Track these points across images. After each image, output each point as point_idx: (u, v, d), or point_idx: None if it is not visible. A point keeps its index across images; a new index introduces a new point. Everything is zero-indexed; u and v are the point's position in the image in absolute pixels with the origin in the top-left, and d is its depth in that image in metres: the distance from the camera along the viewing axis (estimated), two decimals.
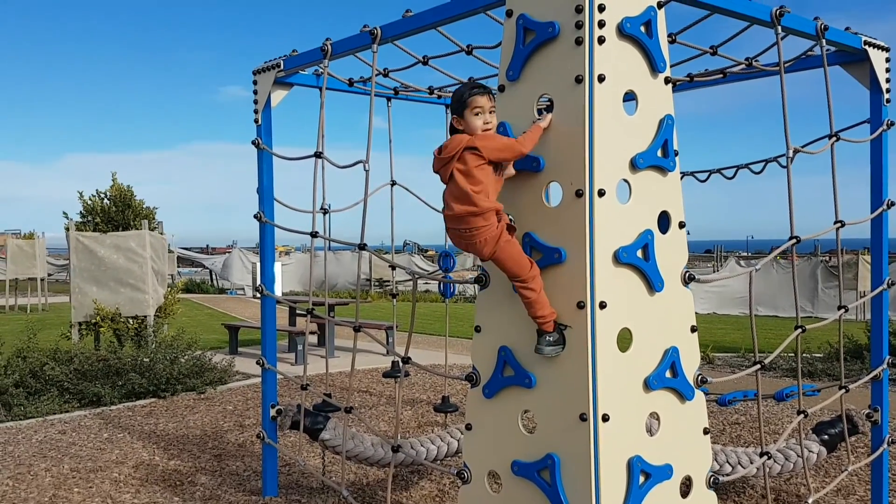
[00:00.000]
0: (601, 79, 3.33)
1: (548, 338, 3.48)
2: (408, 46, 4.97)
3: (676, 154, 3.65)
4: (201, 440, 7.21)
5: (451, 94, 6.21)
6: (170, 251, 13.18)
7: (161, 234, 11.54)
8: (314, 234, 4.99)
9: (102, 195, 11.39)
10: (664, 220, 3.65)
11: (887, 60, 5.01)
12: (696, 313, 3.83)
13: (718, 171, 5.94)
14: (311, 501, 5.38)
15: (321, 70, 4.99)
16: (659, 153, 3.56)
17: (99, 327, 10.70)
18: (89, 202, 11.49)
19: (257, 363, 5.50)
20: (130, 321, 10.59)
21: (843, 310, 4.65)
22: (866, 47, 4.82)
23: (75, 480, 5.97)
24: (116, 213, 11.07)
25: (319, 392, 5.59)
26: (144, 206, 11.27)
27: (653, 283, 3.56)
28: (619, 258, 3.45)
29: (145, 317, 10.71)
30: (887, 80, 5.00)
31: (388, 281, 30.93)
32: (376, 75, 5.08)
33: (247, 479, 5.99)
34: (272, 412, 5.41)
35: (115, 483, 5.91)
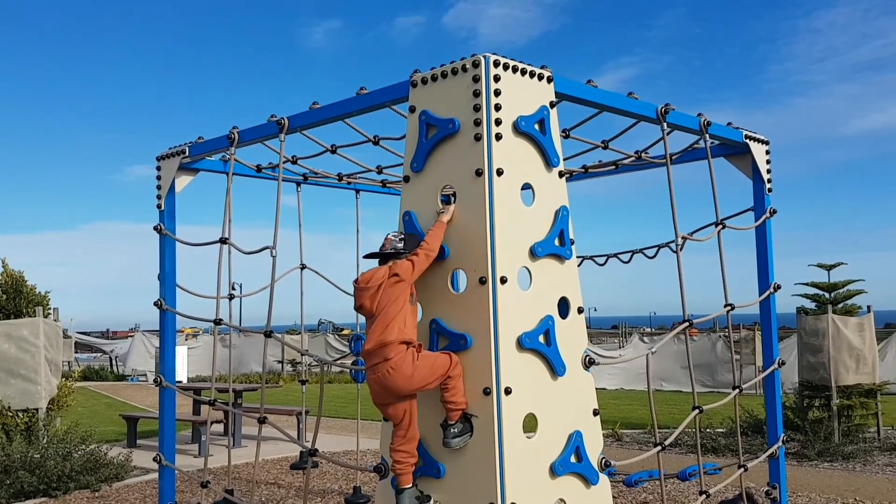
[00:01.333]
0: (500, 172, 3.47)
1: (453, 429, 3.52)
2: (316, 134, 5.05)
3: (572, 242, 3.80)
4: None
5: (360, 180, 6.34)
6: (66, 337, 12.54)
7: (56, 321, 10.97)
8: (217, 322, 4.89)
9: None
10: (563, 306, 3.77)
11: (767, 153, 5.40)
12: (603, 389, 3.93)
13: (615, 255, 6.19)
14: None
15: (228, 157, 5.00)
16: (556, 242, 3.70)
17: None
18: None
19: (154, 460, 5.25)
20: (20, 415, 9.92)
21: (737, 390, 4.84)
22: (747, 141, 5.19)
23: None
24: (7, 300, 10.49)
25: (222, 487, 5.35)
26: (37, 292, 10.74)
27: (555, 368, 3.63)
28: (523, 343, 3.52)
29: (37, 410, 10.07)
30: (768, 171, 5.37)
31: (300, 363, 30.22)
32: (284, 162, 5.12)
33: None
34: None
35: None
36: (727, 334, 25.05)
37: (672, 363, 22.38)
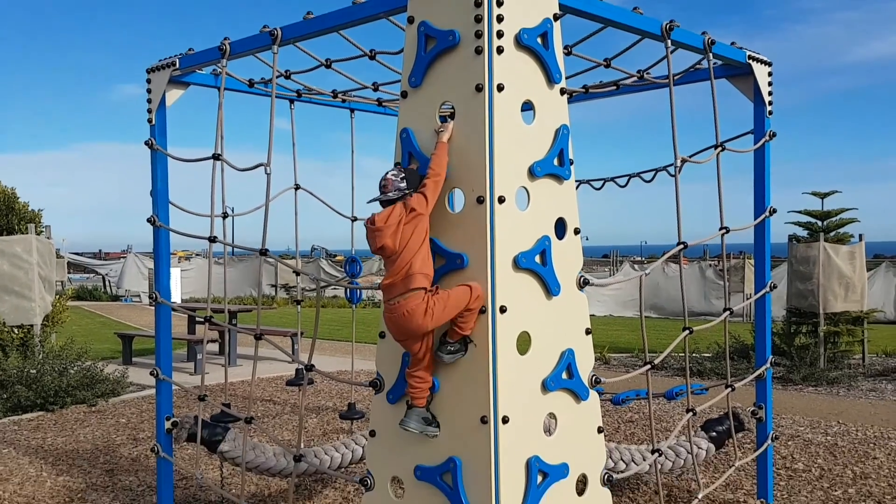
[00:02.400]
0: (500, 88, 3.39)
1: (449, 347, 3.55)
2: (311, 49, 4.92)
3: (572, 163, 3.76)
4: (92, 455, 6.88)
5: (355, 98, 6.22)
6: (59, 256, 12.51)
7: (48, 238, 10.94)
8: (212, 239, 4.85)
9: None
10: (560, 227, 3.75)
11: (769, 74, 5.31)
12: (593, 315, 3.97)
13: (612, 179, 6.15)
14: None
15: (220, 70, 4.87)
16: (555, 162, 3.66)
17: None
18: None
19: (151, 374, 5.30)
20: (15, 330, 10.00)
21: (727, 311, 4.89)
22: (750, 61, 5.09)
23: None
24: None
25: (219, 403, 5.43)
26: (30, 210, 10.68)
27: (550, 288, 3.65)
28: (519, 263, 3.52)
29: (31, 326, 10.14)
30: (769, 94, 5.30)
31: (294, 286, 30.41)
32: (277, 77, 5.00)
33: (140, 494, 5.77)
34: (167, 425, 5.22)
35: None
36: (717, 263, 25.35)
37: (660, 291, 22.64)
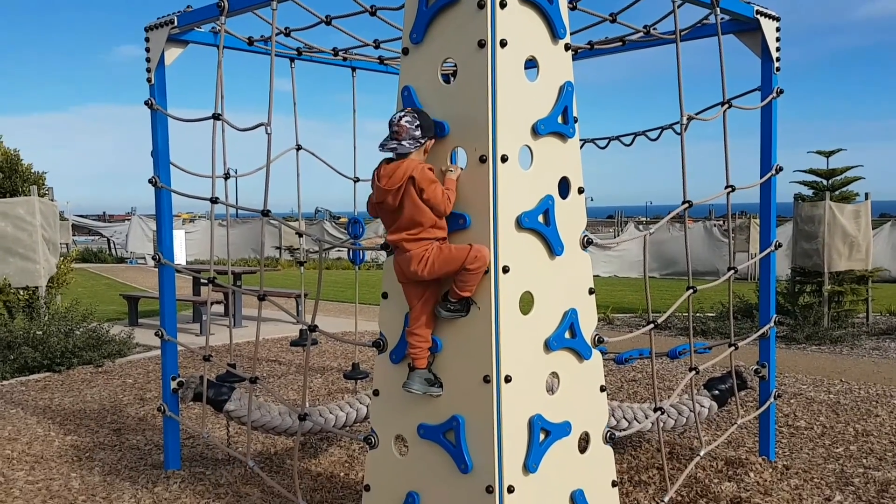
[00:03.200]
0: (503, 44, 3.33)
1: (450, 305, 3.53)
2: (311, 5, 4.83)
3: (576, 121, 3.71)
4: (99, 415, 6.96)
5: (356, 56, 6.13)
6: (63, 219, 12.54)
7: (52, 200, 10.93)
8: (214, 200, 4.83)
9: None
10: (564, 186, 3.72)
11: (777, 30, 5.21)
12: (598, 276, 3.96)
13: (617, 138, 6.09)
14: (216, 473, 5.29)
15: (219, 27, 4.79)
16: (559, 120, 3.61)
17: None
18: None
19: (156, 334, 5.33)
20: (21, 292, 10.05)
21: (732, 270, 4.87)
22: (758, 16, 5.00)
23: None
24: (3, 179, 10.41)
25: (224, 363, 5.47)
26: (33, 172, 10.64)
27: (553, 248, 3.62)
28: (522, 223, 3.49)
29: (37, 288, 10.19)
30: (777, 49, 5.21)
31: (298, 249, 30.46)
32: (277, 34, 4.92)
33: (148, 452, 5.84)
34: (173, 384, 5.27)
35: (7, 460, 5.64)
36: (722, 223, 25.23)
37: (668, 251, 22.60)
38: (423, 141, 3.45)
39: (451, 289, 3.51)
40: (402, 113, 3.47)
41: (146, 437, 6.26)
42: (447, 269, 3.43)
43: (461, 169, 3.53)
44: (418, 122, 3.43)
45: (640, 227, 27.37)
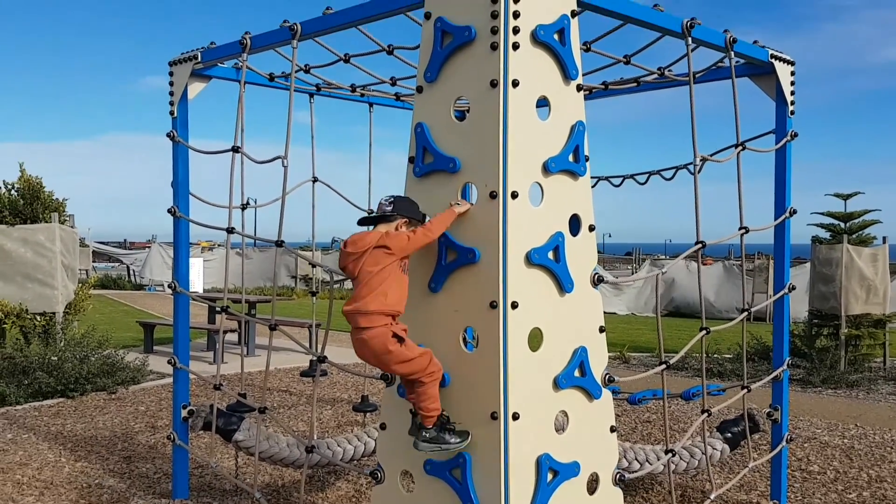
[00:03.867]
0: (515, 84, 3.38)
1: (424, 433, 3.50)
2: (330, 44, 4.94)
3: (587, 159, 3.74)
4: (110, 441, 6.98)
5: (373, 93, 6.23)
6: (84, 245, 12.70)
7: (72, 227, 11.08)
8: (230, 231, 4.90)
9: (10, 186, 10.89)
10: (575, 223, 3.74)
11: (792, 74, 5.25)
12: (614, 314, 3.96)
13: (631, 176, 6.11)
14: None
15: (241, 64, 4.91)
16: (570, 158, 3.64)
17: (3, 324, 10.22)
18: None
19: (169, 362, 5.37)
20: (38, 318, 10.15)
21: (745, 312, 4.85)
22: (773, 60, 5.03)
23: None
24: (24, 205, 10.59)
25: (235, 392, 5.49)
26: (54, 199, 10.82)
27: (563, 284, 3.63)
28: (531, 259, 3.51)
29: (54, 313, 10.29)
30: (792, 93, 5.23)
31: (312, 278, 30.56)
32: (297, 71, 5.03)
33: (157, 481, 5.84)
34: (184, 413, 5.29)
35: (17, 486, 5.67)
36: (751, 260, 25.09)
37: (684, 290, 22.40)
38: (391, 215, 3.59)
39: (422, 415, 3.49)
40: (385, 197, 3.69)
41: (156, 465, 6.26)
42: (406, 369, 3.48)
43: (470, 205, 3.57)
44: (392, 200, 3.63)
45: (657, 265, 27.25)
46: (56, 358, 8.97)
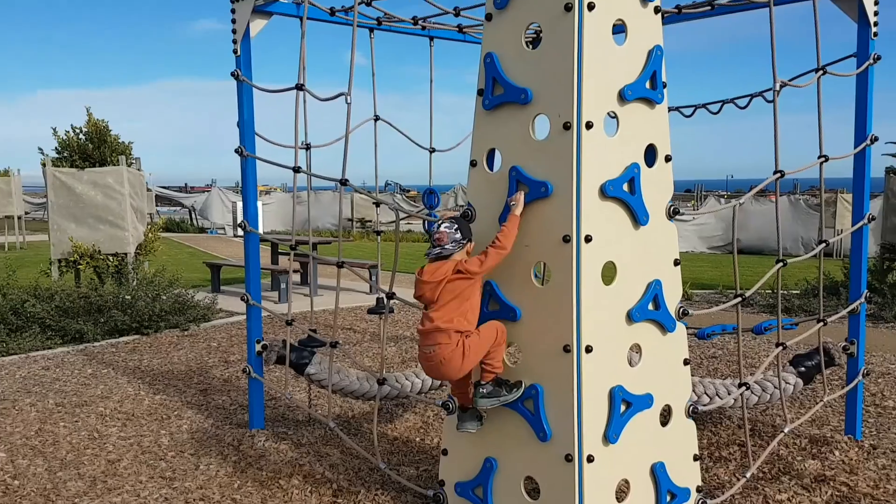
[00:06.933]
0: (591, 7, 3.26)
1: (482, 389, 3.63)
2: None
3: (664, 86, 3.61)
4: (186, 376, 7.25)
5: (435, 25, 6.11)
6: (147, 189, 13.01)
7: (139, 170, 11.34)
8: (296, 170, 4.93)
9: (78, 130, 11.17)
10: (651, 154, 3.64)
11: None
12: None
13: (704, 105, 5.91)
14: (298, 433, 5.45)
15: None
16: (647, 85, 3.52)
17: (78, 265, 10.62)
18: (64, 138, 11.25)
19: (242, 299, 5.50)
20: (110, 258, 10.50)
21: (823, 243, 4.70)
22: None
23: (61, 415, 6.00)
24: (93, 149, 10.86)
25: (304, 328, 5.60)
26: (120, 142, 11.06)
27: (638, 217, 3.56)
28: (606, 192, 3.44)
29: (125, 254, 10.63)
30: (875, 14, 4.95)
31: (370, 220, 30.83)
32: (359, 3, 4.94)
33: (233, 412, 6.06)
34: (258, 347, 5.43)
35: (100, 417, 5.95)
36: (813, 194, 24.20)
37: (748, 226, 21.83)
38: (463, 242, 3.62)
39: (482, 371, 3.64)
40: (440, 222, 3.70)
41: (231, 397, 6.49)
42: (482, 354, 3.60)
43: (524, 196, 3.54)
44: (457, 226, 3.65)
45: (721, 200, 26.61)
46: (129, 297, 9.30)
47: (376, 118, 6.14)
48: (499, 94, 3.65)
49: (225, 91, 5.47)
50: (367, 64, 6.13)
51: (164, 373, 7.35)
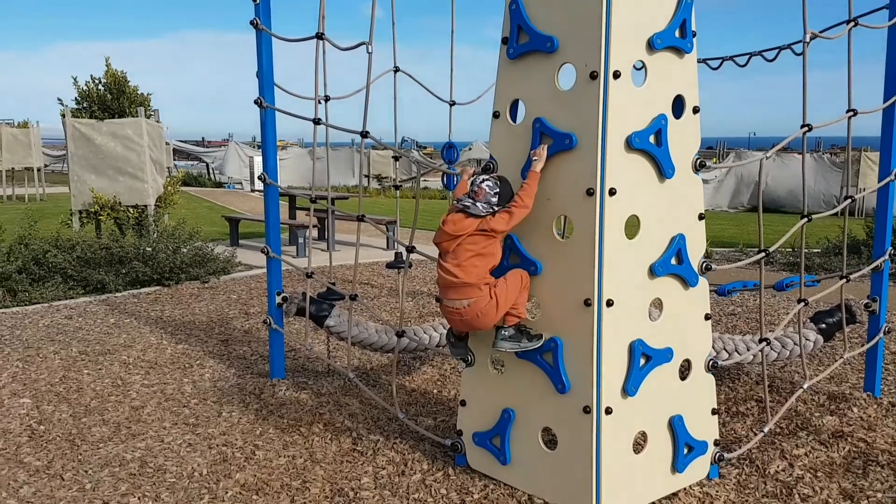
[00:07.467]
0: None
1: (504, 332, 3.63)
2: None
3: (694, 35, 3.53)
4: (207, 326, 7.33)
5: None
6: (166, 143, 13.02)
7: (157, 122, 11.34)
8: (317, 122, 4.90)
9: (97, 81, 11.15)
10: (678, 105, 3.58)
11: None
12: None
13: (731, 58, 5.78)
14: (317, 383, 5.52)
15: None
16: (677, 33, 3.44)
17: (99, 216, 10.70)
18: (84, 89, 11.25)
19: (262, 251, 5.52)
20: (131, 210, 10.57)
21: (849, 199, 4.63)
22: None
23: (84, 363, 6.10)
24: (112, 100, 10.85)
25: (323, 282, 5.63)
26: (139, 93, 11.04)
27: (664, 170, 3.52)
28: (632, 144, 3.39)
29: (145, 206, 10.69)
30: None
31: (387, 177, 30.77)
32: None
33: (254, 362, 6.13)
34: (278, 299, 5.47)
35: (123, 365, 6.04)
36: (834, 152, 23.85)
37: (770, 187, 21.58)
38: (495, 209, 3.53)
39: (505, 316, 3.62)
40: (487, 177, 3.59)
41: (252, 348, 6.57)
42: (513, 297, 3.59)
43: (546, 149, 3.50)
44: (497, 191, 3.55)
45: (743, 158, 26.28)
46: (150, 249, 9.37)
47: (396, 69, 6.07)
48: (524, 42, 3.59)
49: (239, 44, 5.40)
50: (387, 18, 6.05)
51: (185, 323, 7.44)
